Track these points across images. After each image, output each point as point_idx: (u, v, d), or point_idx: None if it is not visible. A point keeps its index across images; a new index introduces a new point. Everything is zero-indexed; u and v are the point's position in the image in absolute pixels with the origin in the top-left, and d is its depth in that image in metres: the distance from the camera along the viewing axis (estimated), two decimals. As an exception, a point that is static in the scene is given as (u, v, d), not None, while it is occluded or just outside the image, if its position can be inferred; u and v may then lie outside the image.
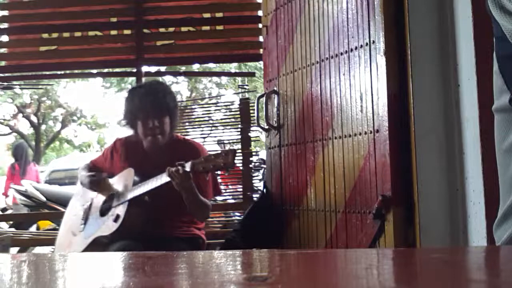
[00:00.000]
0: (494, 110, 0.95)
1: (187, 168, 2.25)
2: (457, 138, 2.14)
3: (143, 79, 3.65)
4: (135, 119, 2.51)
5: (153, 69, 4.59)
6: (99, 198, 2.58)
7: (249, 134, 3.64)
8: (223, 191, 4.22)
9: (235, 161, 2.29)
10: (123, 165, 2.57)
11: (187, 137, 2.91)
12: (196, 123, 4.09)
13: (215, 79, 16.24)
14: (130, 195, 2.40)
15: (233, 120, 3.86)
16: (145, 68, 3.80)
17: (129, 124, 2.57)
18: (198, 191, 2.39)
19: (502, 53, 0.92)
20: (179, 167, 2.25)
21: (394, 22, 2.29)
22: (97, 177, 2.56)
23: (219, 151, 2.29)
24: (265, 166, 3.55)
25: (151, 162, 2.52)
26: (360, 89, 2.40)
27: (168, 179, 2.29)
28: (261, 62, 3.36)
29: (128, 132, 2.62)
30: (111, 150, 2.67)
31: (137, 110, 2.50)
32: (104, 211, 2.50)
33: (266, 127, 2.99)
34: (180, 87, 15.95)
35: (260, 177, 4.86)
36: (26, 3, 3.86)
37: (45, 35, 3.75)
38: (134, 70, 3.80)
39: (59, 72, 4.01)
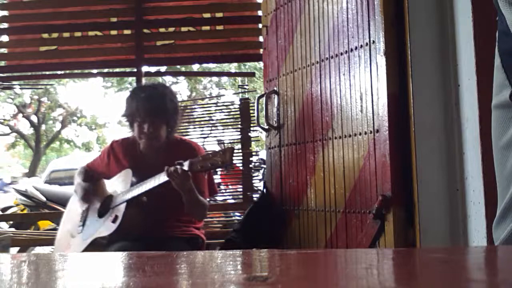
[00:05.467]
0: (494, 106, 0.94)
1: (185, 167, 2.25)
2: (457, 138, 2.14)
3: (143, 79, 3.66)
4: (133, 120, 2.52)
5: (153, 69, 4.59)
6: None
7: (249, 134, 3.65)
8: (223, 191, 4.22)
9: (233, 159, 2.28)
10: (121, 166, 2.56)
11: (183, 137, 2.90)
12: (196, 123, 4.09)
13: (215, 79, 16.25)
14: (128, 196, 2.40)
15: (233, 120, 3.86)
16: (145, 68, 3.81)
17: (128, 124, 2.57)
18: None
19: (505, 47, 0.91)
20: (178, 167, 2.25)
21: (394, 22, 2.29)
22: (90, 189, 2.56)
23: (217, 150, 2.29)
24: (265, 166, 3.55)
25: (148, 162, 2.52)
26: (360, 89, 2.40)
27: (166, 179, 2.28)
28: (261, 62, 3.36)
29: (125, 133, 2.62)
30: (108, 152, 2.66)
31: (135, 113, 2.50)
32: (102, 212, 2.50)
33: (266, 127, 2.99)
34: (180, 87, 15.96)
35: (260, 177, 4.86)
36: (26, 3, 3.86)
37: (45, 35, 3.76)
38: (134, 70, 3.80)
39: (59, 72, 4.01)
